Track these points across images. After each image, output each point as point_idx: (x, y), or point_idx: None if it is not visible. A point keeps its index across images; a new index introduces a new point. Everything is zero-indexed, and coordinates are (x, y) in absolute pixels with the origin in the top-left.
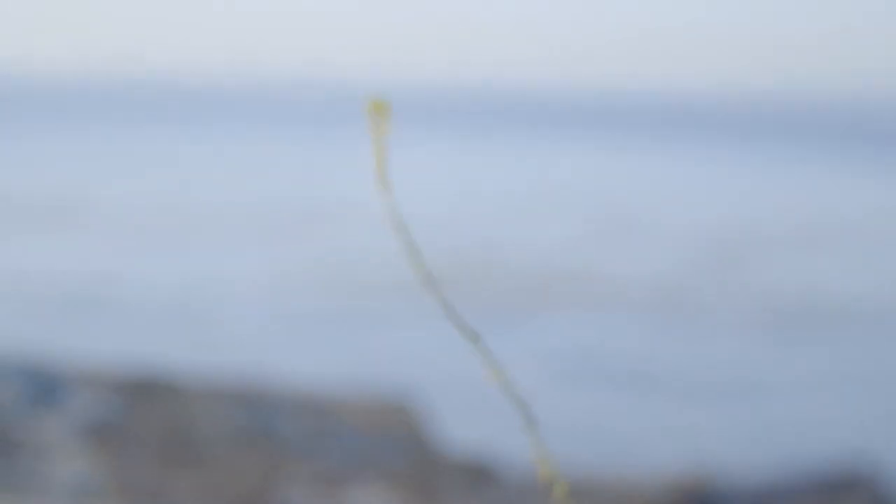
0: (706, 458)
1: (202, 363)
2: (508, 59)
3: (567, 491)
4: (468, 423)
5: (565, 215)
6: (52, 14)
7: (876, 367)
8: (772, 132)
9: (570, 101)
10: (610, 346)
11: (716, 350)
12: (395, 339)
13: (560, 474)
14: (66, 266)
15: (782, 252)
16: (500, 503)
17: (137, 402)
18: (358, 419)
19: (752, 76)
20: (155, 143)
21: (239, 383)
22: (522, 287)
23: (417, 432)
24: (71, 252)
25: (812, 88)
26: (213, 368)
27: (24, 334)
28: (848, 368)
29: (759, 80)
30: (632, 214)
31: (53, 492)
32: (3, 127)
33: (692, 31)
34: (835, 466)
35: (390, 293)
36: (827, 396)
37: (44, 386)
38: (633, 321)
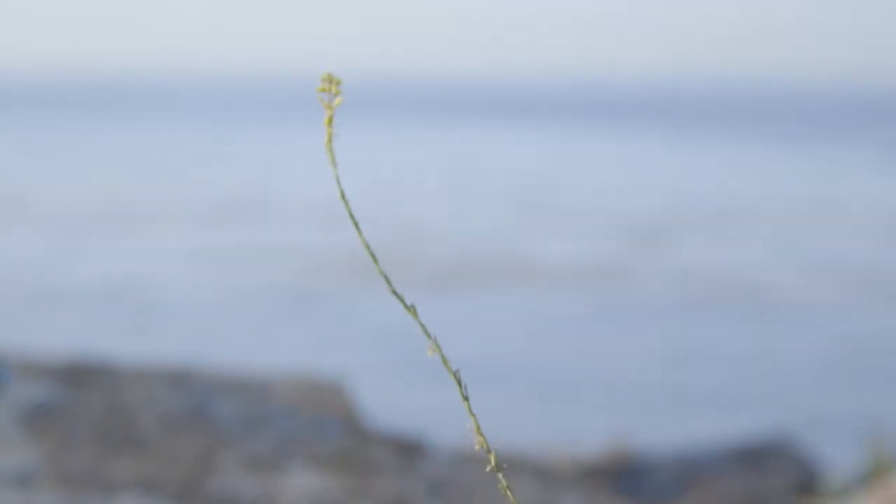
0: (631, 431)
1: (139, 349)
2: (455, 47)
3: (497, 461)
4: (400, 401)
5: (499, 199)
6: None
7: (797, 344)
8: (709, 116)
9: (514, 87)
10: (538, 323)
11: (644, 326)
12: (335, 319)
13: (492, 444)
14: (2, 257)
15: (710, 233)
16: (433, 477)
17: (74, 389)
18: (292, 400)
19: (693, 60)
20: (102, 137)
21: (175, 367)
22: (455, 268)
23: (351, 412)
24: (8, 243)
25: (757, 73)
26: (150, 354)
27: None
28: (769, 344)
29: (697, 63)
30: (563, 198)
31: None
32: None
33: (630, 18)
34: (756, 437)
35: (323, 276)
36: (749, 371)
37: None
38: (563, 300)
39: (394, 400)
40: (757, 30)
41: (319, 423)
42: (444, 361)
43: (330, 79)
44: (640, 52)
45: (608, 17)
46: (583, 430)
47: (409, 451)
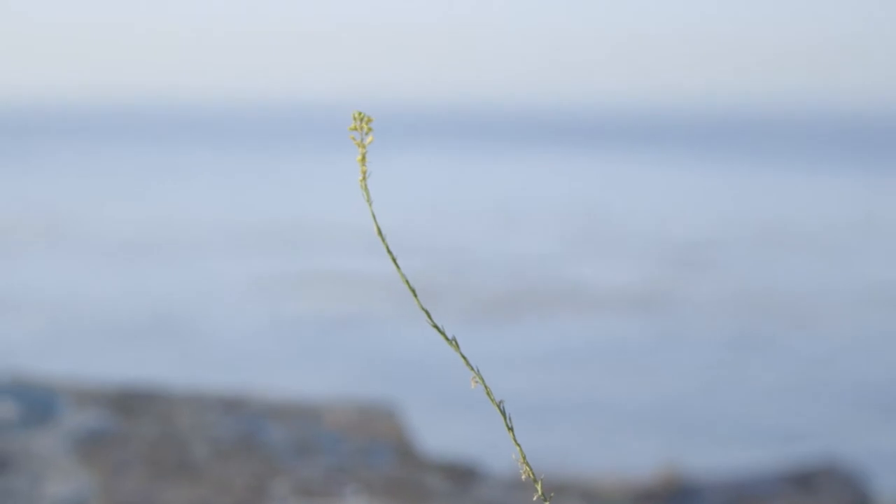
0: (681, 455)
1: (191, 375)
2: (492, 74)
3: (547, 488)
4: (452, 426)
5: (544, 225)
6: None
7: (840, 366)
8: (744, 141)
9: (553, 114)
10: (588, 348)
11: (691, 350)
12: (379, 346)
13: (539, 472)
14: (54, 284)
15: (755, 255)
16: (485, 503)
17: (127, 416)
18: (343, 426)
19: (726, 86)
20: (149, 165)
21: (226, 394)
22: (502, 294)
23: (402, 437)
24: (58, 271)
25: (787, 98)
26: (202, 380)
27: (14, 352)
28: (819, 364)
29: (731, 90)
30: (608, 223)
31: None
32: (10, 148)
33: (667, 43)
34: (806, 460)
35: (374, 303)
36: (798, 394)
37: (35, 403)
38: (612, 324)
39: (444, 426)
40: (795, 52)
41: (371, 449)
42: (488, 392)
43: (361, 117)
44: (678, 77)
45: (644, 42)
46: (633, 455)
47: (461, 476)
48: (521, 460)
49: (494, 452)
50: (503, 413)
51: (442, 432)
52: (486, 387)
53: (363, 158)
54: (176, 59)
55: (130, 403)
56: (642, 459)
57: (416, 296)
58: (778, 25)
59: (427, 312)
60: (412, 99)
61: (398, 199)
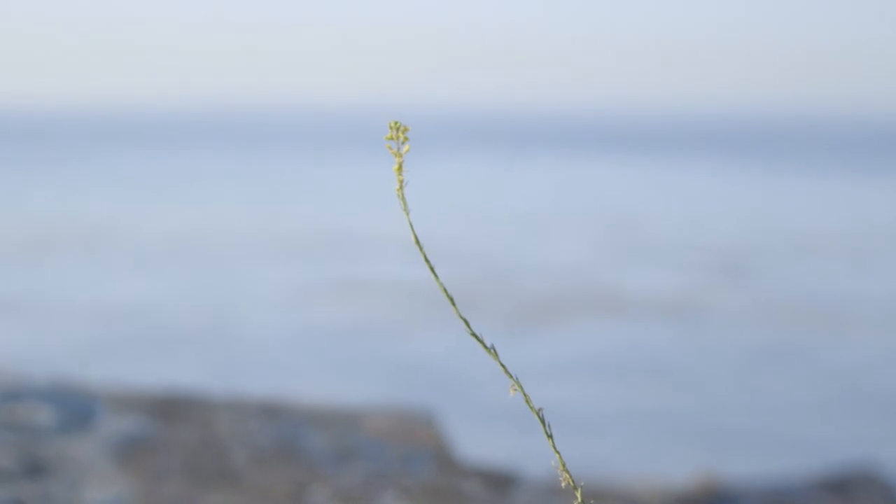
0: (718, 462)
1: (230, 381)
2: (524, 79)
3: (586, 494)
4: (488, 434)
5: (579, 230)
6: (92, 47)
7: (876, 374)
8: (778, 146)
9: (587, 120)
10: (623, 355)
11: (729, 356)
12: (416, 354)
13: (578, 479)
14: (93, 290)
15: (788, 262)
16: None
17: (166, 422)
18: (382, 433)
19: (758, 92)
20: (190, 169)
21: (266, 400)
22: (536, 302)
23: (441, 444)
24: (98, 276)
25: (816, 103)
26: (241, 386)
27: (54, 357)
28: (855, 373)
29: (765, 94)
30: (646, 229)
31: None
32: (40, 156)
33: (700, 48)
34: (843, 466)
35: (412, 308)
36: (835, 400)
37: (75, 408)
38: (648, 331)
39: (481, 433)
40: (831, 56)
41: (410, 456)
42: (527, 400)
43: (397, 126)
44: (717, 83)
45: (685, 46)
46: (669, 462)
47: (499, 483)
48: (561, 467)
49: (531, 460)
50: (542, 421)
51: (478, 440)
52: (524, 394)
53: (399, 168)
54: (208, 65)
55: (170, 409)
56: (679, 466)
57: (454, 304)
58: (812, 29)
59: (465, 321)
60: (444, 104)
61: (432, 206)
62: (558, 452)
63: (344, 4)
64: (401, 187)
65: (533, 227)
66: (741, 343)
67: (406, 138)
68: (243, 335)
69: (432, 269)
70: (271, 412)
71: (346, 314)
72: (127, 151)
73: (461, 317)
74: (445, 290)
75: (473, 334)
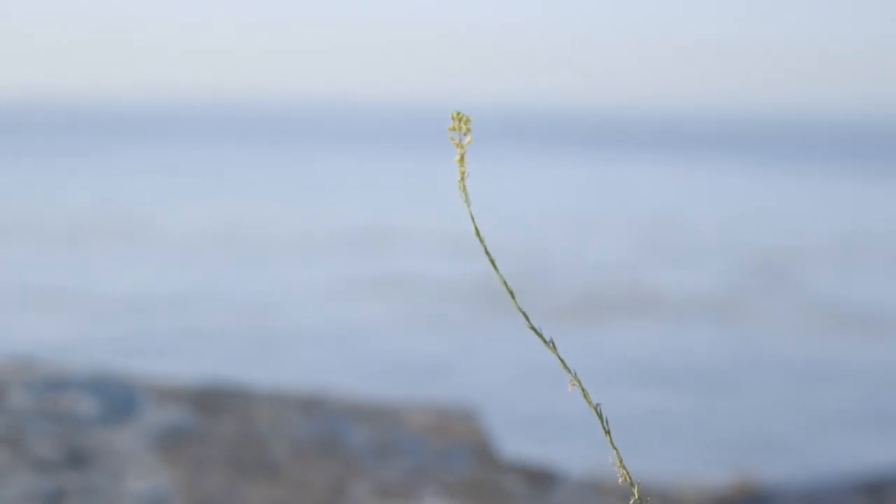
0: (757, 463)
1: (271, 374)
2: (564, 79)
3: (640, 494)
4: (529, 430)
5: (619, 230)
6: (133, 39)
7: None
8: (815, 149)
9: (629, 119)
10: (666, 355)
11: (768, 357)
12: (457, 347)
13: (634, 477)
14: (134, 281)
15: (828, 264)
16: None
17: (207, 414)
18: (423, 428)
19: (801, 94)
20: (228, 163)
21: (307, 394)
22: (577, 300)
23: (482, 440)
24: (138, 269)
25: (857, 105)
26: (282, 379)
27: (95, 348)
28: (889, 380)
29: (807, 97)
30: (682, 229)
31: None
32: (81, 147)
33: (737, 48)
34: (880, 469)
35: (454, 304)
36: (872, 403)
37: (116, 399)
38: (686, 332)
39: (524, 428)
40: (872, 57)
41: (451, 452)
42: (585, 395)
43: (459, 117)
44: (758, 85)
45: (727, 47)
46: (708, 462)
47: (540, 479)
48: (619, 464)
49: (570, 457)
50: (600, 416)
51: (519, 436)
52: (583, 389)
53: (461, 159)
54: (247, 59)
55: (211, 401)
56: (715, 468)
57: (514, 298)
58: (849, 30)
59: (525, 314)
60: (473, 101)
61: (474, 203)
62: (616, 448)
63: (358, 4)
64: (462, 178)
65: (569, 226)
66: (780, 347)
67: (468, 129)
68: (284, 329)
69: (493, 263)
70: (312, 406)
71: (385, 310)
72: (150, 144)
73: (521, 310)
74: (506, 284)
75: (533, 328)
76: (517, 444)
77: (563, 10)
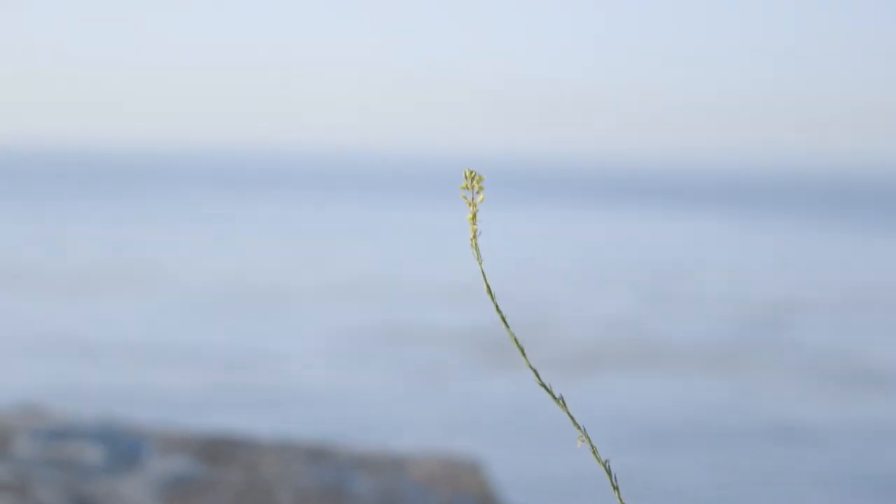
0: None
1: (276, 424)
2: (572, 130)
3: None
4: (534, 482)
5: (624, 282)
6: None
7: None
8: (810, 200)
9: (628, 173)
10: (667, 407)
11: (769, 407)
12: (462, 398)
13: None
14: (141, 329)
15: (826, 315)
16: None
17: (213, 463)
18: (428, 478)
19: (794, 147)
20: (244, 214)
21: (312, 443)
22: (582, 351)
23: (486, 490)
24: (145, 317)
25: (850, 158)
26: (287, 429)
27: (102, 395)
28: (890, 428)
29: (801, 150)
30: (688, 281)
31: None
32: (78, 194)
33: (731, 101)
34: None
35: (457, 356)
36: (869, 453)
37: (123, 448)
38: (688, 383)
39: (528, 478)
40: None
41: (455, 502)
42: (594, 451)
43: (472, 175)
44: (765, 137)
45: (729, 100)
46: None
47: None
48: None
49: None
50: (609, 472)
51: (525, 484)
52: (592, 446)
53: (474, 217)
54: (255, 107)
55: (217, 451)
56: None
57: (524, 355)
58: (850, 84)
59: (535, 371)
60: (480, 154)
61: (489, 249)
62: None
63: (370, 47)
64: (474, 237)
65: (579, 277)
66: (783, 396)
67: (481, 188)
68: (290, 378)
69: (504, 320)
70: (317, 456)
71: (393, 359)
72: (159, 192)
73: (531, 367)
74: (517, 341)
75: (543, 385)
76: (521, 495)
77: (569, 63)
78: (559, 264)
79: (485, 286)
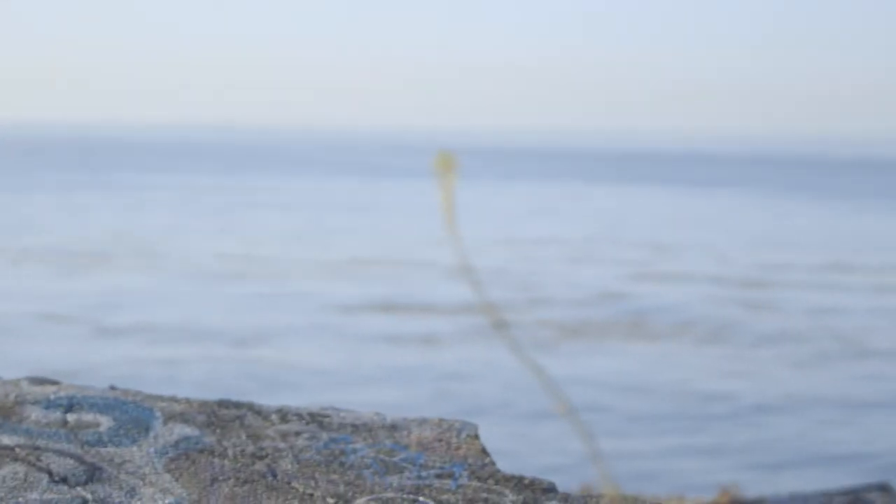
0: (741, 479)
1: (278, 392)
2: (559, 106)
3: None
4: (525, 444)
5: (611, 255)
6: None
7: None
8: (801, 173)
9: (629, 148)
10: (654, 376)
11: (752, 377)
12: (458, 366)
13: (626, 496)
14: (148, 303)
15: (810, 287)
16: None
17: (218, 431)
18: (424, 445)
19: (785, 124)
20: (244, 191)
21: (312, 410)
22: (568, 323)
23: (480, 455)
24: (144, 293)
25: (847, 131)
26: (289, 397)
27: (107, 367)
28: (869, 395)
29: (793, 126)
30: (675, 255)
31: None
32: (89, 177)
33: (731, 83)
34: (859, 482)
35: (453, 326)
36: (852, 421)
37: (128, 417)
38: (675, 352)
39: (520, 445)
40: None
41: (451, 468)
42: (575, 415)
43: (445, 157)
44: (769, 115)
45: (727, 79)
46: (694, 480)
47: (538, 495)
48: (608, 483)
49: (566, 471)
50: (589, 437)
51: (517, 451)
52: (571, 411)
53: (448, 200)
54: (262, 89)
55: (221, 419)
56: (703, 484)
57: (506, 329)
58: (855, 64)
59: (517, 346)
60: (481, 130)
61: (474, 229)
62: (605, 468)
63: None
64: (450, 220)
65: (568, 252)
66: (765, 365)
67: (455, 170)
68: (292, 349)
69: (483, 299)
70: (318, 423)
71: (390, 330)
72: (163, 173)
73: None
74: (497, 320)
75: (523, 355)
76: (515, 458)
77: (562, 43)
78: (544, 239)
79: (463, 265)
